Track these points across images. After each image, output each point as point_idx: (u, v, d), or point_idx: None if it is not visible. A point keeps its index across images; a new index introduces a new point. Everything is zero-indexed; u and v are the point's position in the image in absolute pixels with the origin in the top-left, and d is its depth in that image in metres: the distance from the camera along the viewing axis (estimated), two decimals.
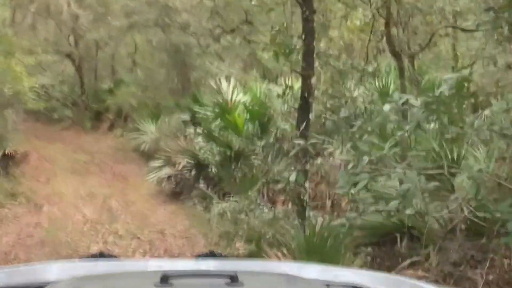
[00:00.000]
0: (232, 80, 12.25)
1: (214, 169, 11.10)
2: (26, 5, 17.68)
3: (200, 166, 11.38)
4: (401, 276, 2.13)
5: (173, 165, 11.87)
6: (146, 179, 12.69)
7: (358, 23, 11.04)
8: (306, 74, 7.25)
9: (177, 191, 11.68)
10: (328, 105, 8.91)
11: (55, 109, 22.38)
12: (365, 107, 8.61)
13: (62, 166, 15.52)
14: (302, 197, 7.18)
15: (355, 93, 9.31)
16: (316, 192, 10.61)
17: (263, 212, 9.33)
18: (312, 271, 2.03)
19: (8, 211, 10.46)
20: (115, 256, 2.24)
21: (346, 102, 8.70)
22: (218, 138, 11.23)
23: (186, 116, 15.01)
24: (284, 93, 8.05)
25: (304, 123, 7.35)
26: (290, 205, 10.26)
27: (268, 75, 15.70)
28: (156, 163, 12.27)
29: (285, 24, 9.14)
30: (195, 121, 14.71)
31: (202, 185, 10.75)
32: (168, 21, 14.34)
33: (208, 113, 11.72)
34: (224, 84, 12.04)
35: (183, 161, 11.58)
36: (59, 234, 9.42)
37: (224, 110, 11.43)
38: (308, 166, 7.24)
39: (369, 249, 6.77)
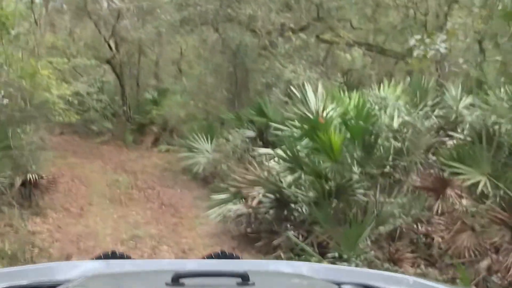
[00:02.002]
0: (320, 87, 8.97)
1: (305, 208, 7.81)
2: (59, 1, 14.73)
3: (283, 203, 8.11)
4: (412, 276, 1.97)
5: (243, 199, 8.63)
6: (205, 214, 9.49)
7: None
8: None
9: (250, 236, 8.43)
10: None
11: (93, 121, 19.51)
12: None
13: (100, 191, 12.47)
14: None
15: None
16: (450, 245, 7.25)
17: None
18: (323, 271, 1.98)
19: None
20: (127, 256, 2.13)
21: None
22: (307, 164, 7.94)
23: (251, 132, 11.79)
24: None
25: None
26: (423, 266, 6.95)
27: (350, 81, 12.40)
28: (219, 196, 9.04)
29: None
30: (263, 139, 11.49)
31: (290, 231, 7.44)
32: (231, 13, 11.16)
33: (294, 130, 8.42)
34: (310, 92, 8.75)
35: (258, 195, 8.32)
36: None
37: (314, 126, 8.14)
38: None
39: None
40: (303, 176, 8.00)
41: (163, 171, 14.83)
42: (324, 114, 8.42)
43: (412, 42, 7.74)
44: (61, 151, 17.80)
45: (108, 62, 18.90)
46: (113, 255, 2.08)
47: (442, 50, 7.26)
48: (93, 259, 2.09)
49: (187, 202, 11.50)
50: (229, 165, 10.31)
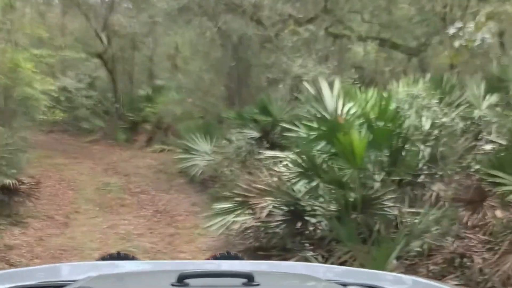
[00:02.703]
0: (337, 83, 7.80)
1: (324, 223, 6.66)
2: None
3: (298, 216, 6.95)
4: (417, 277, 1.98)
5: (249, 209, 7.47)
6: (205, 224, 8.31)
7: None
8: None
9: (258, 253, 7.23)
10: None
11: (84, 118, 18.35)
12: None
13: (88, 196, 11.29)
14: None
15: None
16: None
17: None
18: (328, 272, 1.98)
19: None
20: (133, 257, 2.15)
21: None
22: (326, 171, 6.79)
23: (255, 133, 10.61)
24: None
25: None
26: None
27: (363, 77, 11.22)
28: (221, 205, 7.86)
29: None
30: (269, 140, 10.34)
31: (309, 252, 6.28)
32: (234, 1, 9.96)
33: (308, 131, 7.24)
34: (325, 89, 7.59)
35: (268, 206, 7.15)
36: None
37: (333, 127, 6.98)
38: None
39: None
40: (321, 185, 6.82)
41: (157, 173, 13.66)
42: (343, 114, 7.27)
43: (451, 30, 6.62)
44: (50, 150, 16.62)
45: (100, 56, 17.69)
46: (119, 256, 2.06)
47: (489, 40, 6.15)
48: (98, 259, 2.08)
49: (185, 209, 10.34)
50: (232, 169, 9.12)
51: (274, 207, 7.11)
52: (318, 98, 7.71)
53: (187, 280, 1.51)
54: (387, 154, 6.99)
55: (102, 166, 14.78)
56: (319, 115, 7.46)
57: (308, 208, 6.78)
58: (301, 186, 6.99)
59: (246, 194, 7.61)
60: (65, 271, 1.91)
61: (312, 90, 7.85)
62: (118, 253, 2.10)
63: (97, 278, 1.72)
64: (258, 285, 1.52)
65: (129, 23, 13.93)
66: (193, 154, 11.63)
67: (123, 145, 17.52)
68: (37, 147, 17.26)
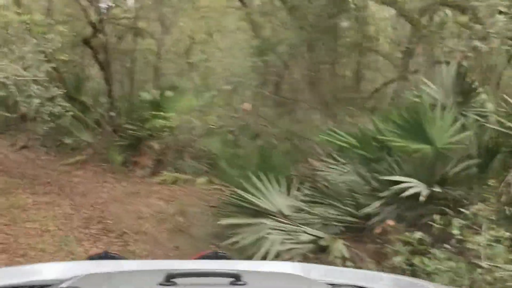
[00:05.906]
0: None
1: None
2: None
3: None
4: (408, 277, 1.84)
5: None
6: None
7: None
8: None
9: None
10: None
11: (64, 131, 12.36)
12: None
13: None
14: None
15: None
16: None
17: None
18: (316, 271, 1.82)
19: None
20: (120, 256, 2.04)
21: None
22: None
23: (421, 184, 4.27)
24: None
25: None
26: None
27: None
28: None
29: None
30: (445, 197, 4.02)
31: None
32: None
33: None
34: None
35: None
36: None
37: None
38: None
39: None
40: None
41: (174, 232, 7.37)
42: None
43: None
44: (14, 177, 10.40)
45: (87, 42, 11.48)
46: (106, 256, 1.98)
47: None
48: (86, 259, 1.98)
49: None
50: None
51: None
52: None
53: (174, 280, 1.42)
54: None
55: (83, 211, 8.48)
56: None
57: None
58: None
59: None
60: (52, 270, 1.73)
61: None
62: (106, 252, 1.96)
63: (85, 277, 1.60)
64: (245, 284, 1.42)
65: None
66: (254, 214, 5.37)
67: (119, 171, 11.21)
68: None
